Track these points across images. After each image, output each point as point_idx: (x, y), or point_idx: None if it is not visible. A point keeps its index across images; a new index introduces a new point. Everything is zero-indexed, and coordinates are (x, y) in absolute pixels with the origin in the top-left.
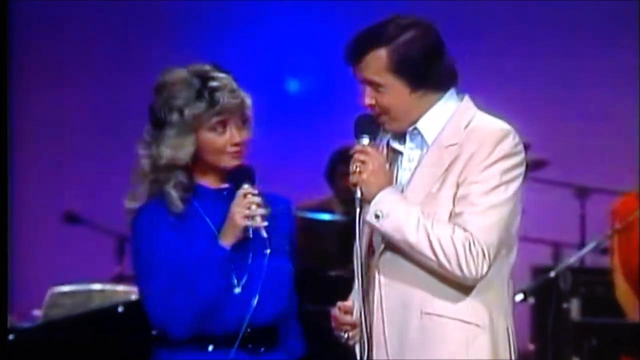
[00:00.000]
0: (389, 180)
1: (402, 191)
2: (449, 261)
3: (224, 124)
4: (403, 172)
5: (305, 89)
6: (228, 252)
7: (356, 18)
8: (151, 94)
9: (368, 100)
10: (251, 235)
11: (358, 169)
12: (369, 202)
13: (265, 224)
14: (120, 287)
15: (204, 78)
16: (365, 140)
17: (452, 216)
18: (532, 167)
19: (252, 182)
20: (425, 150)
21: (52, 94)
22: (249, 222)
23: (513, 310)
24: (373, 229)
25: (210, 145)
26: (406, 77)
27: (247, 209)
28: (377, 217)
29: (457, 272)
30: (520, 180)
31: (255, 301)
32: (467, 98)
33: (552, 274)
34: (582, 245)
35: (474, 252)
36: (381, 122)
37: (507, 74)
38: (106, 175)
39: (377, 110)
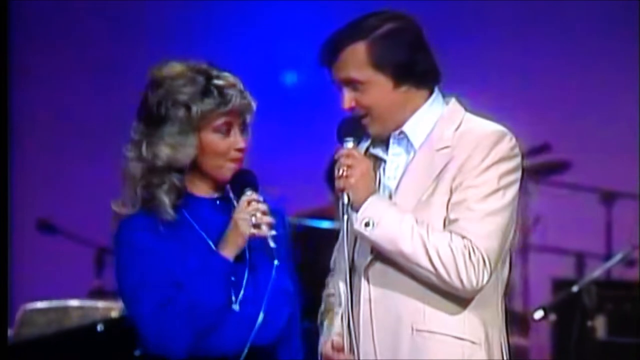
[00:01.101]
0: (375, 187)
1: (389, 197)
2: (447, 271)
3: (228, 126)
4: (388, 180)
5: (304, 82)
6: (230, 264)
7: (354, 10)
8: (136, 95)
9: (348, 102)
10: (272, 245)
11: (344, 173)
12: (357, 209)
13: (273, 232)
14: (100, 303)
15: (207, 74)
16: (350, 144)
17: (447, 223)
18: (554, 169)
19: (255, 188)
20: (412, 155)
21: (29, 96)
22: (254, 231)
23: (507, 326)
24: (361, 239)
25: (212, 148)
26: (388, 71)
27: (252, 217)
28: (367, 225)
29: (457, 282)
30: (517, 185)
31: (260, 319)
32: (454, 100)
33: (575, 288)
34: (608, 256)
35: (474, 261)
36: (364, 126)
37: (525, 71)
38: (83, 180)
39: (359, 112)
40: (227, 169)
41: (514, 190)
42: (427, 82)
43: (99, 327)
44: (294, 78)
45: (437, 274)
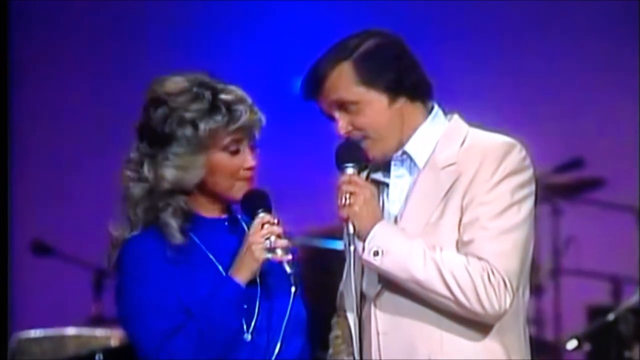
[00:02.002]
0: (380, 213)
1: (394, 221)
2: (466, 296)
3: (237, 144)
4: (392, 204)
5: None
6: (243, 290)
7: (364, 16)
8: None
9: (344, 127)
10: (289, 270)
11: (347, 202)
12: (364, 237)
13: (289, 257)
14: (99, 332)
15: (213, 89)
16: (351, 170)
17: (461, 245)
18: (587, 186)
19: (268, 209)
20: (416, 175)
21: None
22: (269, 255)
23: (532, 354)
24: (369, 269)
25: (222, 168)
26: (380, 87)
27: (267, 240)
28: (375, 254)
29: (477, 307)
30: (533, 198)
31: (277, 350)
32: (456, 117)
33: (611, 316)
34: None
35: (495, 283)
36: (364, 149)
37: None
38: (82, 198)
39: (356, 135)
40: (238, 189)
41: (529, 204)
42: (420, 95)
43: (98, 358)
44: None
45: (456, 300)
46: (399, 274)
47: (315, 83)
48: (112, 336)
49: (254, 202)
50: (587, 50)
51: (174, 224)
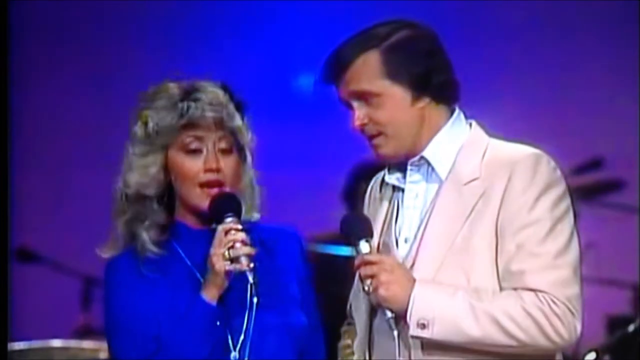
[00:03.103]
0: (409, 275)
1: (413, 238)
2: (533, 338)
3: (199, 143)
4: (406, 210)
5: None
6: (213, 309)
7: (367, 15)
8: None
9: (359, 120)
10: (251, 280)
11: (371, 288)
12: (404, 314)
13: (251, 265)
14: (87, 343)
15: (189, 90)
16: (365, 247)
17: (507, 275)
18: (606, 189)
19: (236, 214)
20: (434, 184)
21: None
22: (231, 267)
23: None
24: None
25: (178, 169)
26: (405, 83)
27: (230, 250)
28: (422, 326)
29: (547, 344)
30: (572, 211)
31: None
32: (475, 124)
33: (632, 327)
34: None
35: (559, 313)
36: (375, 146)
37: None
38: (70, 202)
39: (371, 130)
40: (198, 196)
41: (570, 217)
42: (446, 97)
43: None
44: (309, 83)
45: (523, 345)
46: (453, 338)
47: (337, 68)
48: (101, 349)
49: (221, 207)
50: (610, 48)
51: (145, 236)
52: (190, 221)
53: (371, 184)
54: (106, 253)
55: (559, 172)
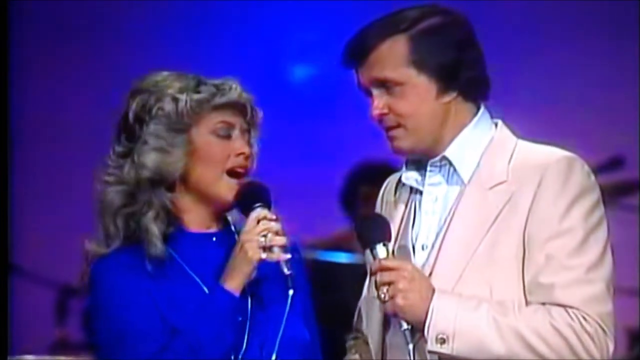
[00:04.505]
0: (429, 284)
1: (431, 245)
2: (562, 357)
3: (229, 129)
4: (424, 215)
5: (315, 78)
6: (237, 299)
7: (365, 10)
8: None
9: (378, 109)
10: (287, 272)
11: (387, 296)
12: (422, 327)
13: (288, 256)
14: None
15: (199, 77)
16: (382, 251)
17: (534, 287)
18: (627, 190)
19: (267, 204)
20: (457, 188)
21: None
22: (264, 255)
23: None
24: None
25: (207, 152)
26: (432, 73)
27: (263, 238)
28: (442, 341)
29: None
30: (605, 221)
31: None
32: (501, 124)
33: None
34: None
35: (591, 331)
36: (392, 138)
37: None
38: (44, 207)
39: (390, 121)
40: (225, 185)
41: (604, 228)
42: (475, 94)
43: None
44: (305, 75)
45: None
46: (475, 356)
47: (360, 51)
48: None
49: (251, 196)
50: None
51: (155, 230)
52: (191, 223)
53: (385, 185)
54: (101, 250)
55: (593, 178)
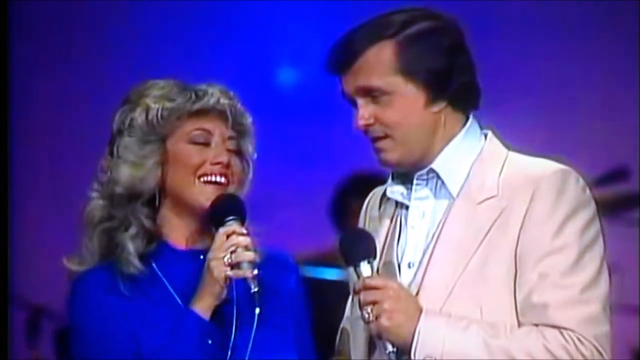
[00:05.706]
0: (416, 304)
1: (418, 263)
2: None
3: (207, 136)
4: (411, 231)
5: (305, 83)
6: (205, 323)
7: (359, 10)
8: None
9: (364, 119)
10: (234, 296)
11: (372, 317)
12: (409, 349)
13: (255, 272)
14: None
15: (187, 85)
16: (366, 269)
17: (527, 307)
18: (632, 203)
19: (241, 218)
20: (444, 201)
21: None
22: (231, 273)
23: None
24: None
25: (180, 158)
26: (421, 81)
27: (231, 254)
28: None
29: None
30: (601, 237)
31: None
32: (491, 135)
33: None
34: None
35: (587, 354)
36: (378, 150)
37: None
38: (19, 222)
39: (377, 131)
40: (201, 191)
41: (600, 244)
42: (465, 103)
43: None
44: (294, 79)
45: None
46: None
47: (345, 58)
48: None
49: (224, 209)
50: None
51: (131, 248)
52: (178, 239)
53: (368, 199)
54: (79, 267)
55: (588, 192)
